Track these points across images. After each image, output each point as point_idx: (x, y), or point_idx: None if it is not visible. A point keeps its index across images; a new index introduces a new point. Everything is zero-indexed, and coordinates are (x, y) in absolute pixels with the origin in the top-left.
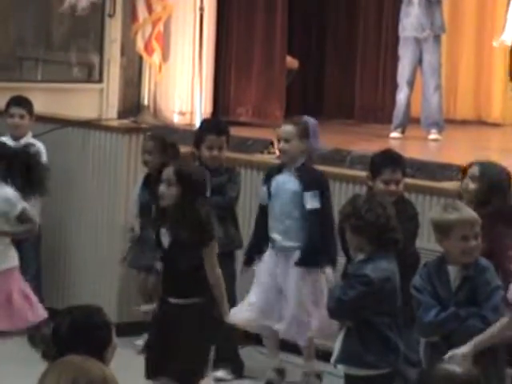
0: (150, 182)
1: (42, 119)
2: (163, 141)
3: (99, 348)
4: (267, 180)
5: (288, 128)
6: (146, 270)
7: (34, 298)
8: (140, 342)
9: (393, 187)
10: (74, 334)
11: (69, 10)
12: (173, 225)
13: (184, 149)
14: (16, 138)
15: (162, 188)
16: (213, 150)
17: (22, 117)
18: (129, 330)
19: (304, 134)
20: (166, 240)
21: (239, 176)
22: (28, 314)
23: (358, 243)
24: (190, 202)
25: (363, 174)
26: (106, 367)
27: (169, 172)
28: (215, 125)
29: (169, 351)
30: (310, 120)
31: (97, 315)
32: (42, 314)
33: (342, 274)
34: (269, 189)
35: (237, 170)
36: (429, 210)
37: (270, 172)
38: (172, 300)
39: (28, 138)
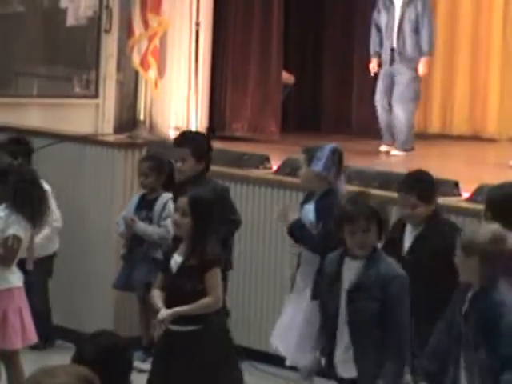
0: (146, 203)
1: (38, 134)
2: (159, 161)
3: (125, 372)
4: (300, 208)
5: (301, 156)
6: (141, 289)
7: (29, 322)
8: (134, 363)
9: (406, 211)
10: (101, 361)
11: (74, 22)
12: (186, 252)
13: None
14: None
15: (176, 217)
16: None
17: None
18: None
19: (310, 160)
20: (175, 265)
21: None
22: (18, 337)
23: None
24: (201, 232)
25: (360, 189)
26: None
27: (183, 202)
28: (177, 136)
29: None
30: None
31: (120, 340)
32: (32, 338)
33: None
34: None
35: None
36: None
37: (303, 200)
38: (172, 327)
39: None
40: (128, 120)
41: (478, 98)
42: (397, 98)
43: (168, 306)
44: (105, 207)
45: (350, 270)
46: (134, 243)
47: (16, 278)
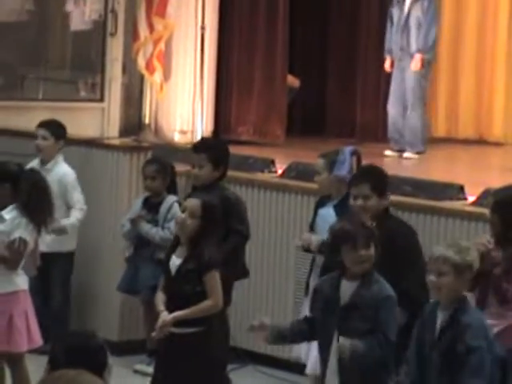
0: (150, 206)
1: None
2: (164, 164)
3: (97, 372)
4: (314, 214)
5: (319, 161)
6: (146, 292)
7: (34, 324)
8: (139, 366)
9: (359, 202)
10: (71, 361)
11: (80, 26)
12: (185, 255)
13: (183, 168)
14: (43, 162)
15: (185, 218)
16: (193, 168)
17: (44, 138)
18: (129, 348)
19: (331, 166)
20: (174, 268)
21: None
22: (24, 340)
23: None
24: (205, 236)
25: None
26: (101, 381)
27: (195, 204)
28: (196, 142)
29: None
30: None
31: (92, 340)
32: (37, 341)
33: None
34: (313, 223)
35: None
36: (429, 230)
37: (315, 206)
38: (174, 329)
39: (56, 162)
40: (133, 123)
41: (484, 102)
42: (409, 98)
43: (169, 308)
44: (110, 210)
45: (346, 292)
46: (140, 245)
47: (22, 281)
